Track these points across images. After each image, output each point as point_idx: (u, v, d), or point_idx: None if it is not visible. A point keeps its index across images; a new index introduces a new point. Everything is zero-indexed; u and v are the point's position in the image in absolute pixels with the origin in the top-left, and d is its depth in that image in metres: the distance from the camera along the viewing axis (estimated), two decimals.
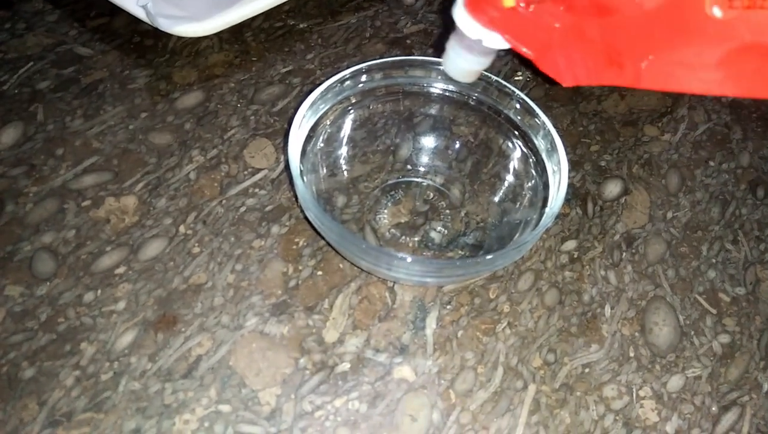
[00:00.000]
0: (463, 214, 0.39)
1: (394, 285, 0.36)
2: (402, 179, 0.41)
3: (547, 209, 0.35)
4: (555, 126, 0.43)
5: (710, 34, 0.20)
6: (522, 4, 0.24)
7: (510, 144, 0.40)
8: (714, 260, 0.40)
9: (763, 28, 0.20)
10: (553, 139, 0.36)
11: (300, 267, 0.36)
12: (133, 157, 0.40)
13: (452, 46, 0.29)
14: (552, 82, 0.47)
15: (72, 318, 0.33)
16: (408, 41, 0.49)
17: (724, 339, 0.37)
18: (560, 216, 0.40)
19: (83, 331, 0.33)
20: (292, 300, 0.35)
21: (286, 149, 0.35)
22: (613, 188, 0.42)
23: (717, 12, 0.20)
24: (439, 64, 0.40)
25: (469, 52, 0.28)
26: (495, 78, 0.39)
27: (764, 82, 0.21)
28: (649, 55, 0.22)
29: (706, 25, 0.20)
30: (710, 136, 0.47)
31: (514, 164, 0.40)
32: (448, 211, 0.40)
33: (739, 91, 0.22)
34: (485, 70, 0.33)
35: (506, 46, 0.27)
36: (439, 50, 0.30)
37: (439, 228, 0.39)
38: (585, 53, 0.24)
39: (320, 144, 0.39)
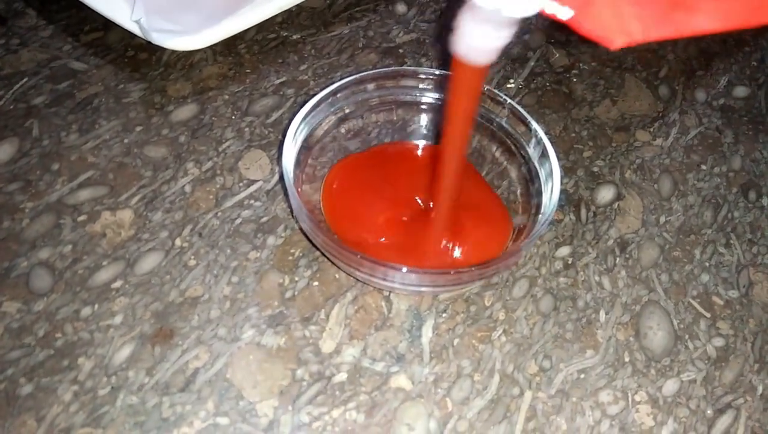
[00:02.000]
0: None
1: (389, 294, 0.36)
2: None
3: (540, 216, 0.35)
4: (547, 133, 0.43)
5: None
6: None
7: (503, 152, 0.40)
8: (707, 264, 0.40)
9: None
10: (545, 146, 0.36)
11: (296, 278, 0.37)
12: (128, 171, 0.40)
13: (465, 22, 0.24)
14: (545, 89, 0.48)
15: (69, 333, 0.34)
16: (400, 51, 0.49)
17: (718, 342, 0.37)
18: (554, 222, 0.41)
19: (81, 346, 0.33)
20: (288, 311, 0.35)
21: (281, 161, 0.35)
22: (606, 194, 0.43)
23: None
24: (431, 74, 0.40)
25: (487, 27, 0.24)
26: (487, 87, 0.39)
27: None
28: None
29: None
30: (702, 140, 0.47)
31: (507, 171, 0.40)
32: None
33: None
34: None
35: (530, 12, 0.22)
36: (446, 32, 0.25)
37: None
38: (641, 3, 0.20)
39: (315, 155, 0.39)
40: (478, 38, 0.24)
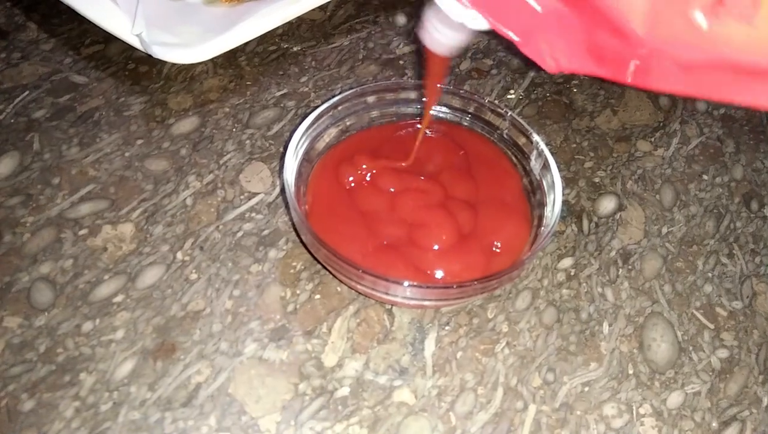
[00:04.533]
0: None
1: (392, 308, 0.36)
2: None
3: (543, 228, 0.35)
4: (548, 143, 0.43)
5: (693, 43, 0.20)
6: None
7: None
8: (710, 275, 0.40)
9: (740, 45, 0.19)
10: (546, 158, 0.36)
11: (298, 291, 0.37)
12: (129, 184, 0.40)
13: (431, 21, 0.28)
14: (545, 99, 0.48)
15: (71, 349, 0.33)
16: (401, 62, 0.49)
17: (723, 353, 0.37)
18: (556, 234, 0.41)
19: (82, 361, 0.33)
20: (290, 325, 0.35)
21: (282, 173, 0.35)
22: (607, 204, 0.43)
23: (703, 22, 0.19)
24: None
25: (450, 29, 0.28)
26: (487, 99, 0.39)
27: (728, 91, 0.21)
28: (632, 58, 0.22)
29: (689, 33, 0.20)
30: (703, 150, 0.47)
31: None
32: None
33: (704, 94, 0.23)
34: (480, 88, 0.33)
35: (483, 26, 0.26)
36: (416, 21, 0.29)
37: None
38: (566, 41, 0.23)
39: (315, 167, 0.39)
40: (443, 37, 0.28)
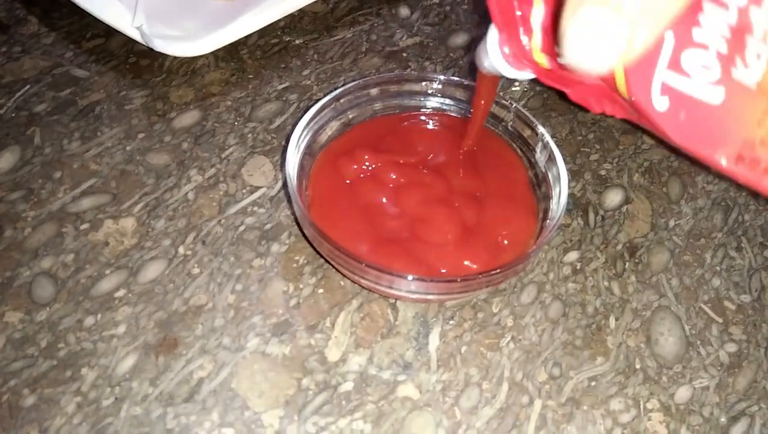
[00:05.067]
0: None
1: (396, 302, 0.36)
2: None
3: (548, 221, 0.35)
4: (554, 136, 0.42)
5: (715, 166, 0.22)
6: (556, 65, 0.27)
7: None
8: (718, 268, 0.40)
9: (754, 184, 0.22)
10: (552, 150, 0.36)
11: (301, 286, 0.36)
12: (131, 178, 0.40)
13: (481, 52, 0.31)
14: (551, 91, 0.47)
15: (72, 344, 0.33)
16: (404, 54, 0.49)
17: (731, 347, 0.37)
18: (562, 227, 0.40)
19: (84, 356, 0.33)
20: (293, 319, 0.35)
21: (285, 167, 0.35)
22: (614, 197, 0.42)
23: (723, 162, 0.22)
24: (435, 78, 0.40)
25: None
26: None
27: None
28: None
29: (713, 163, 0.22)
30: None
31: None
32: None
33: None
34: None
35: (529, 77, 0.30)
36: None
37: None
38: (611, 102, 0.25)
39: (318, 160, 0.39)
40: (490, 65, 0.30)
